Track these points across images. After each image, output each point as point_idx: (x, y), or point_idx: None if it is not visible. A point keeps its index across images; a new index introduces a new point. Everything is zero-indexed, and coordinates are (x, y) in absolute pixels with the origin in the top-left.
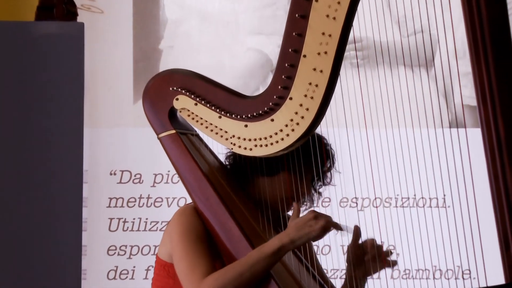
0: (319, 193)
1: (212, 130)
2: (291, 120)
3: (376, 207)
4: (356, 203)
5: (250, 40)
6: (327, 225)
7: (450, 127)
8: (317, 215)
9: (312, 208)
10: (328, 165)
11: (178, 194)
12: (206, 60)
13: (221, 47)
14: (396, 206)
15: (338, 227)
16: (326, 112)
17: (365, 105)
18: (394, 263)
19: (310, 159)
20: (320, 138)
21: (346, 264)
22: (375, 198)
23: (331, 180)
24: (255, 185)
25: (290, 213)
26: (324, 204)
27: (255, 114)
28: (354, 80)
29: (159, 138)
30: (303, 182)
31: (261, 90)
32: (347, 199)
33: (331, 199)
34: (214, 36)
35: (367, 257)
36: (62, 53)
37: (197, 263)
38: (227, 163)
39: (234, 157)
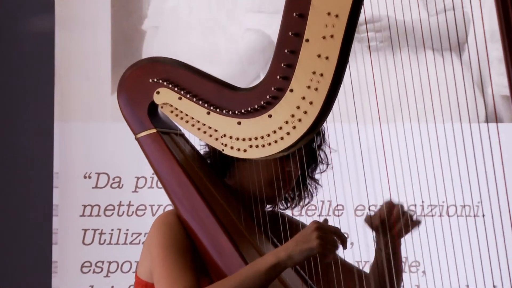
0: (315, 181)
1: (199, 129)
2: (292, 116)
3: None
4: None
5: (249, 19)
6: (331, 238)
7: (486, 121)
8: (320, 226)
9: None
10: (318, 142)
11: (165, 201)
12: (198, 43)
13: (215, 27)
14: (422, 215)
15: (345, 242)
16: (333, 106)
17: (384, 97)
18: (419, 221)
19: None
20: None
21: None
22: None
23: (324, 161)
24: (237, 173)
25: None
26: (337, 212)
27: (249, 109)
28: (371, 67)
29: (137, 139)
30: (291, 160)
31: (262, 78)
32: (363, 206)
33: (345, 206)
34: (207, 14)
35: (393, 221)
36: (28, 33)
37: (179, 280)
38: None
39: (213, 151)
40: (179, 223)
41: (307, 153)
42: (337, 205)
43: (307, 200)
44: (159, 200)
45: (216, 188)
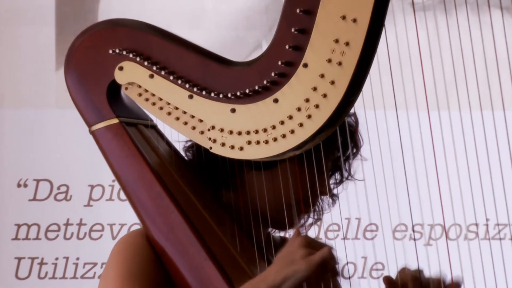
0: (333, 196)
1: (178, 118)
2: (307, 100)
3: (454, 239)
4: (421, 233)
5: None
6: (322, 259)
7: None
8: (306, 242)
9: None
10: (352, 149)
11: (130, 218)
12: (176, 1)
13: None
14: (487, 239)
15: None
16: (363, 87)
17: (433, 75)
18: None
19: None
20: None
21: None
22: (451, 226)
23: (349, 173)
24: (242, 186)
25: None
26: (369, 233)
27: (247, 91)
28: (416, 32)
29: (92, 132)
30: (319, 176)
31: (265, 48)
32: (405, 226)
33: (379, 226)
34: None
35: None
36: None
37: None
38: (188, 155)
39: (197, 150)
40: (149, 248)
41: (327, 153)
42: (369, 224)
43: (321, 215)
44: (122, 217)
45: (201, 201)
